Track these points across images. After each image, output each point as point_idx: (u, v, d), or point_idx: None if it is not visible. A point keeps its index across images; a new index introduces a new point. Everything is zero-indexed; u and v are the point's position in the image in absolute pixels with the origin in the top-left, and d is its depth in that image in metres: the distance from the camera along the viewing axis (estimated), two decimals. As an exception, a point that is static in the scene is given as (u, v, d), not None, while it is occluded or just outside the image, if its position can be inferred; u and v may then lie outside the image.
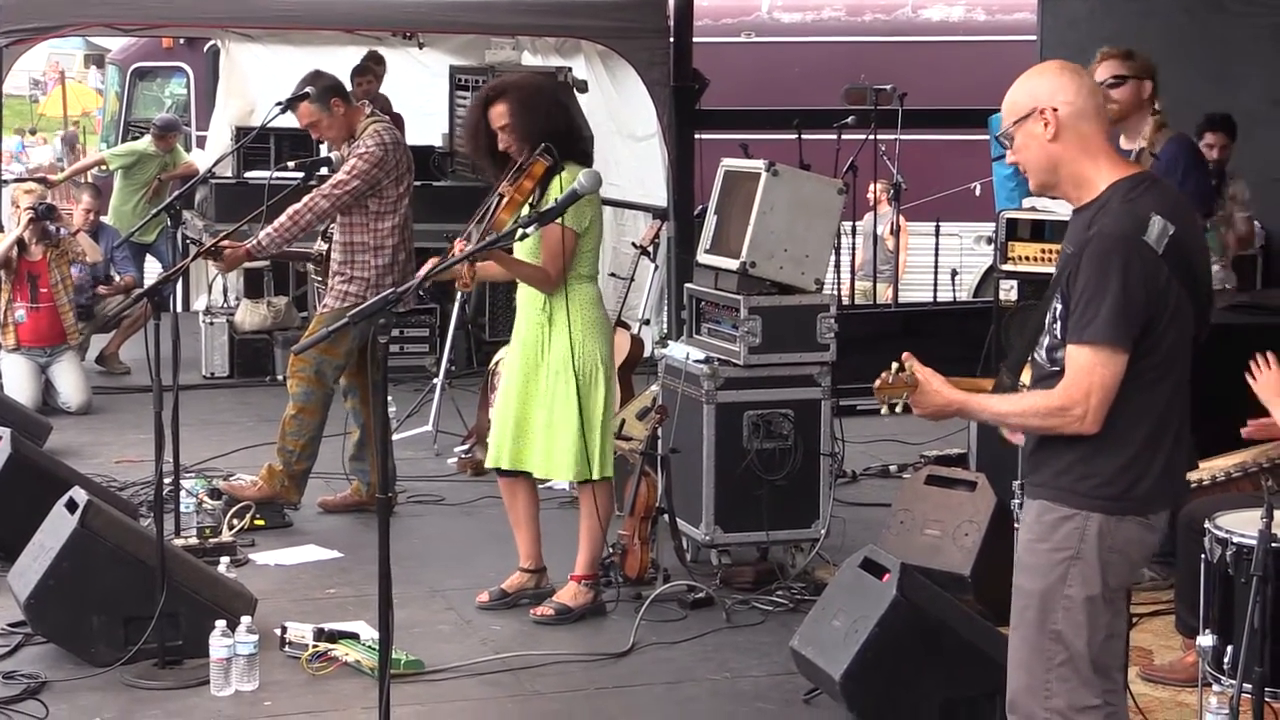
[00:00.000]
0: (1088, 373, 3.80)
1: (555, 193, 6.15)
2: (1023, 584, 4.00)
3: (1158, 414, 3.88)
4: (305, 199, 7.68)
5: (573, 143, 6.41)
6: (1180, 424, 3.96)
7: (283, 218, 7.66)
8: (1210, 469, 5.76)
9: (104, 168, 14.95)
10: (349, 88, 11.20)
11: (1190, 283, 3.89)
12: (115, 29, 12.14)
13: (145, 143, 13.87)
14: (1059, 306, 3.88)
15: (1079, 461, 3.88)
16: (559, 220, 5.81)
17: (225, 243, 7.63)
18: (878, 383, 3.96)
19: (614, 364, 6.57)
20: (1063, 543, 3.91)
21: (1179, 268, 3.85)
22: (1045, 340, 3.95)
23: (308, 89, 7.67)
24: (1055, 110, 3.90)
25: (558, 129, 6.36)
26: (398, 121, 11.76)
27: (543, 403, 6.40)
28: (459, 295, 10.16)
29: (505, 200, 6.24)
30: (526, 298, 6.49)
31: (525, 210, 6.21)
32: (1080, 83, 3.96)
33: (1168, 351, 3.87)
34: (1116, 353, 3.78)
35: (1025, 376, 4.10)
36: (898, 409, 3.98)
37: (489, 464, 6.69)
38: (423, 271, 5.80)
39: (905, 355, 3.98)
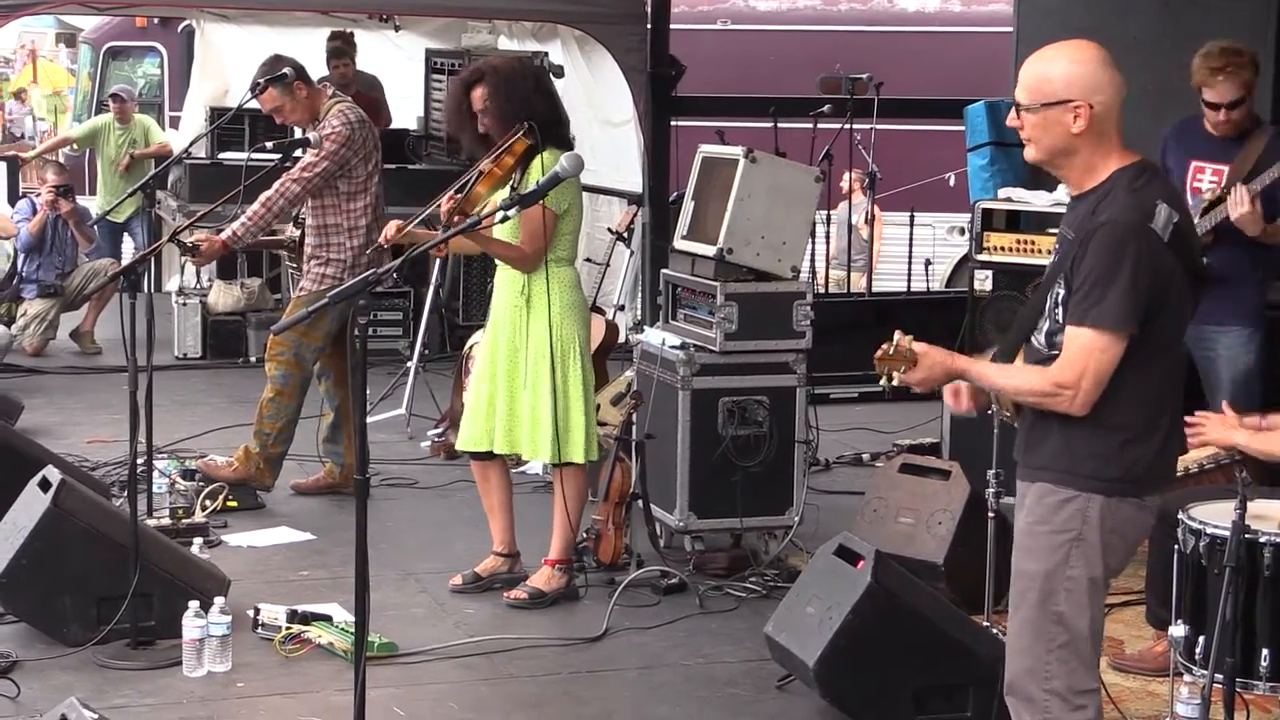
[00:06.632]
0: (1085, 356, 3.81)
1: (536, 174, 6.15)
2: (1024, 566, 4.01)
3: (1154, 397, 3.91)
4: (276, 185, 7.64)
5: (553, 126, 6.41)
6: (1175, 407, 3.98)
7: (255, 205, 7.61)
8: (1183, 460, 5.78)
9: (74, 147, 14.90)
10: (324, 71, 11.25)
11: (1190, 269, 3.92)
12: (89, 7, 12.07)
13: (104, 117, 13.78)
14: (1061, 291, 3.88)
15: (1077, 443, 3.90)
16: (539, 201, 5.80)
17: (200, 236, 7.60)
18: (878, 353, 3.97)
19: (590, 347, 6.57)
20: (1065, 524, 3.93)
21: (1182, 255, 3.87)
22: (1045, 325, 3.96)
23: (285, 70, 7.61)
24: (1091, 107, 3.85)
25: (538, 112, 6.35)
26: (375, 105, 11.74)
27: (526, 384, 6.39)
28: (434, 279, 10.15)
29: (484, 174, 6.23)
30: (505, 280, 6.48)
31: (505, 190, 6.20)
32: (1117, 81, 3.91)
33: (1166, 336, 3.89)
34: (1118, 338, 3.80)
35: (1018, 363, 4.11)
36: (895, 381, 4.00)
37: (462, 447, 6.67)
38: (389, 230, 5.80)
39: (898, 332, 4.00)
